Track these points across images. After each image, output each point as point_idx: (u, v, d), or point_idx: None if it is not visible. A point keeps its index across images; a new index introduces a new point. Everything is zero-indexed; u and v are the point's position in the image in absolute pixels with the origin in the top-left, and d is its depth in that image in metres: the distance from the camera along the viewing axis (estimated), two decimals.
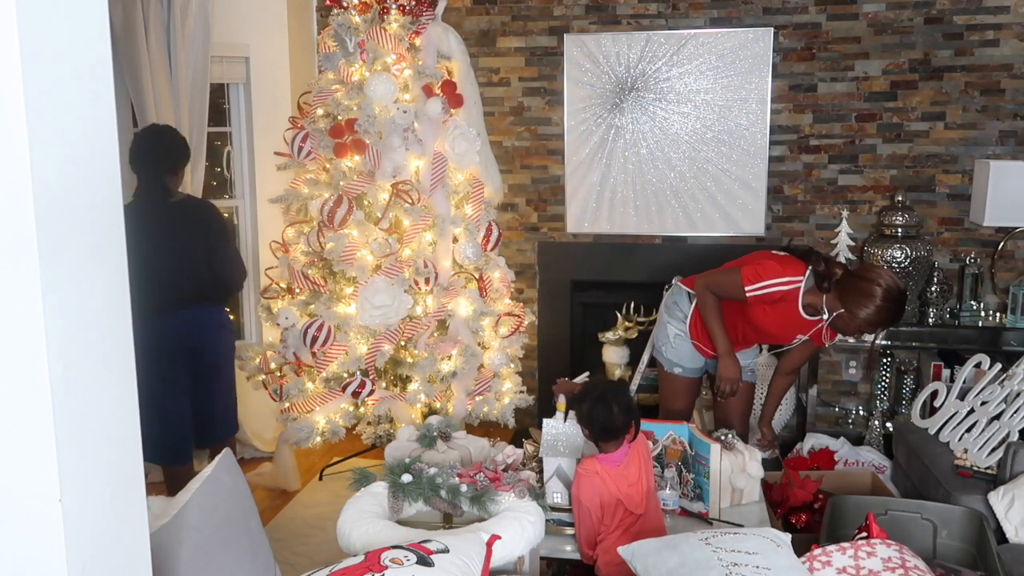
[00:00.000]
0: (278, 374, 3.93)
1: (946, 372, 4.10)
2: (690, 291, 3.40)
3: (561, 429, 2.88)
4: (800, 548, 2.22)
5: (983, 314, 4.17)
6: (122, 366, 1.34)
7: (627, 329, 4.40)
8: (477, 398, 3.95)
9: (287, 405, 3.81)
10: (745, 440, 3.31)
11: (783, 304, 3.11)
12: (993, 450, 3.15)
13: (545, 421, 2.91)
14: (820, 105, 4.42)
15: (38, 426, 1.18)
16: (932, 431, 3.47)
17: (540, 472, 2.93)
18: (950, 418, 3.42)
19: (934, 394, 3.57)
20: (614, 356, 4.44)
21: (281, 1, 4.60)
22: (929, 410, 3.59)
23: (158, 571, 1.63)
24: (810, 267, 3.08)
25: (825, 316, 3.06)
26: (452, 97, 3.85)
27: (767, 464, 3.19)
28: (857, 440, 4.24)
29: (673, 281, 3.81)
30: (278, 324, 3.87)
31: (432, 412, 3.79)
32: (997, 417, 3.24)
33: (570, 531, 2.76)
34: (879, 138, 4.39)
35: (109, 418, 1.31)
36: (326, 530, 3.51)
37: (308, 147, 3.82)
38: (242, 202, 4.64)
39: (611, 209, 4.65)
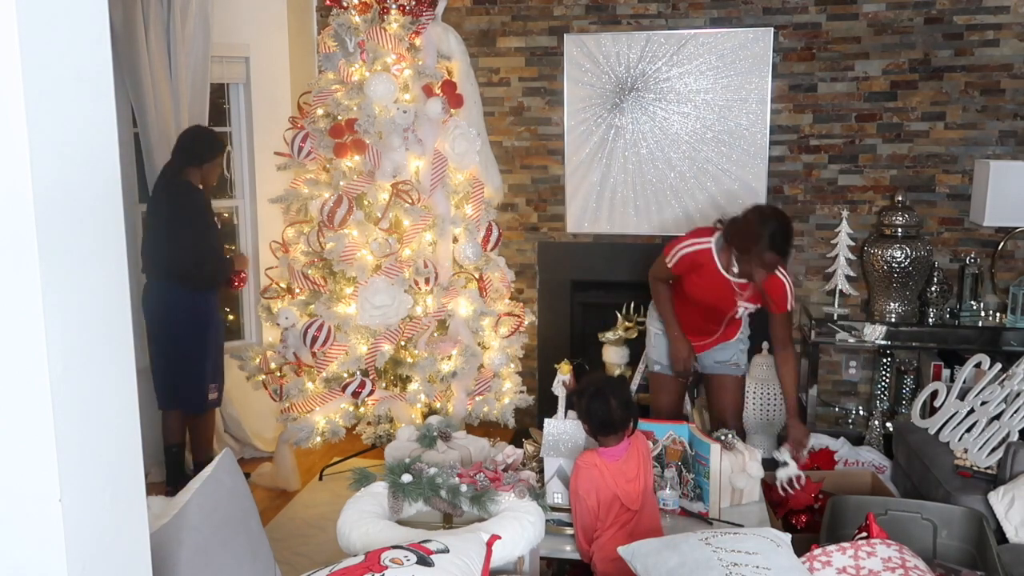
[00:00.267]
0: (278, 374, 3.93)
1: (946, 372, 4.09)
2: None
3: (562, 429, 2.88)
4: (800, 548, 2.22)
5: (983, 314, 4.17)
6: (122, 366, 1.34)
7: (627, 329, 4.40)
8: (477, 398, 3.95)
9: (287, 405, 3.81)
10: (743, 437, 3.32)
11: (705, 269, 3.27)
12: (993, 450, 3.15)
13: (546, 421, 2.91)
14: (820, 105, 4.42)
15: (38, 426, 1.18)
16: (932, 431, 3.47)
17: (540, 472, 2.93)
18: (950, 418, 3.42)
19: (934, 394, 3.57)
20: (614, 356, 4.45)
21: (281, 1, 4.61)
22: (929, 410, 3.59)
23: (158, 571, 1.63)
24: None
25: (736, 269, 3.24)
26: (452, 97, 3.85)
27: (766, 464, 3.19)
28: (857, 440, 4.24)
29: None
30: (278, 324, 3.87)
31: (432, 412, 3.79)
32: (997, 417, 3.24)
33: (570, 531, 2.76)
34: (879, 138, 4.39)
35: (109, 418, 1.31)
36: (326, 530, 3.51)
37: (308, 147, 3.82)
38: (242, 202, 4.64)
39: (611, 209, 4.65)
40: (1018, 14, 4.17)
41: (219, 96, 4.52)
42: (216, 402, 4.06)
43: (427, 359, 3.74)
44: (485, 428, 4.18)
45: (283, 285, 3.99)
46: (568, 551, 2.74)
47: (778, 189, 4.51)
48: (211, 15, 4.13)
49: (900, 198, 4.22)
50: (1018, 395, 3.24)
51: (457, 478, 2.64)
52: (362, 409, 3.87)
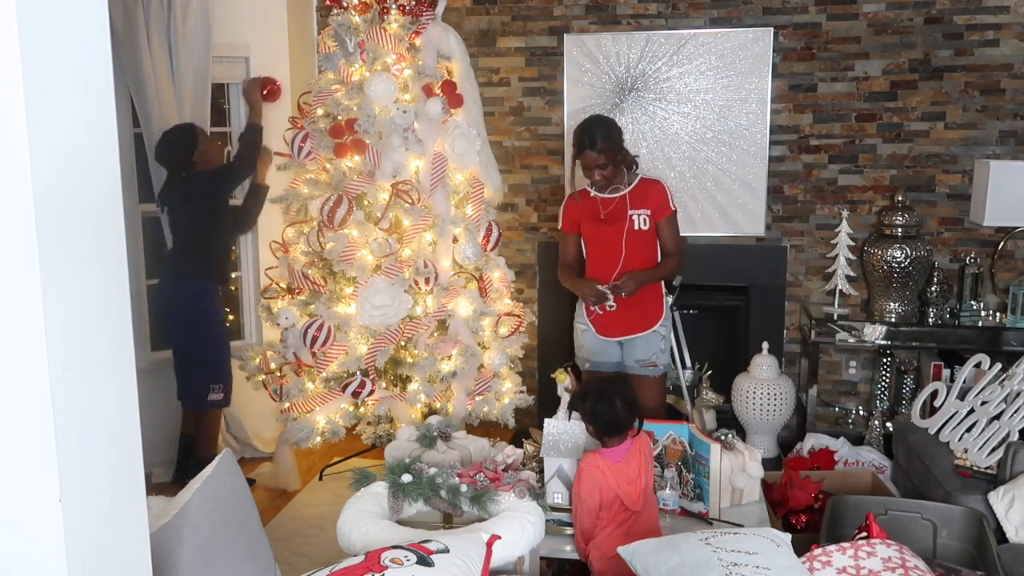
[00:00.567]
0: (278, 374, 3.93)
1: (946, 372, 4.09)
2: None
3: (562, 429, 2.88)
4: (800, 548, 2.22)
5: (983, 314, 4.17)
6: (122, 366, 1.34)
7: None
8: (477, 398, 3.95)
9: (287, 405, 3.81)
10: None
11: (583, 208, 3.58)
12: (993, 450, 3.15)
13: (546, 421, 2.91)
14: (820, 105, 4.42)
15: (38, 426, 1.18)
16: (932, 431, 3.47)
17: (540, 472, 2.93)
18: (950, 418, 3.42)
19: (934, 394, 3.57)
20: None
21: (281, 1, 4.61)
22: (929, 410, 3.59)
23: (158, 571, 1.63)
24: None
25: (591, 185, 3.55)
26: (452, 97, 3.85)
27: (766, 464, 3.19)
28: (857, 440, 4.24)
29: (674, 282, 3.82)
30: (278, 324, 3.87)
31: (432, 412, 3.79)
32: (997, 417, 3.24)
33: (570, 531, 2.76)
34: (879, 138, 4.39)
35: (109, 418, 1.31)
36: (326, 530, 3.50)
37: (308, 147, 3.82)
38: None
39: None
40: (1018, 14, 4.17)
41: (219, 96, 4.52)
42: (220, 402, 4.09)
43: (427, 359, 3.74)
44: (485, 428, 4.18)
45: (283, 285, 3.99)
46: (568, 551, 2.74)
47: (778, 189, 4.51)
48: (211, 15, 4.13)
49: (900, 198, 4.22)
50: (1018, 395, 3.24)
51: (457, 478, 2.64)
52: (362, 409, 3.87)
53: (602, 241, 3.55)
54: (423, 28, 3.87)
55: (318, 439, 3.78)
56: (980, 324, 4.11)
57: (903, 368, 4.40)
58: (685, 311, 4.31)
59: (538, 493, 2.67)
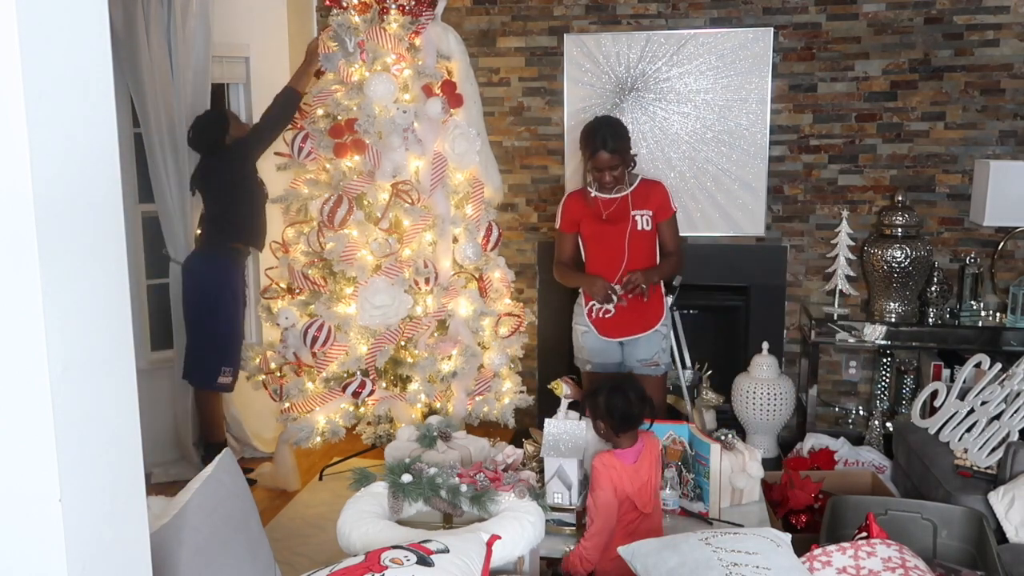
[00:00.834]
0: (278, 374, 3.93)
1: (946, 372, 4.09)
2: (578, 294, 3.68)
3: (562, 429, 2.88)
4: (800, 548, 2.22)
5: (983, 314, 4.17)
6: (122, 366, 1.34)
7: None
8: (477, 398, 3.95)
9: (287, 405, 3.81)
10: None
11: (584, 208, 3.56)
12: (993, 450, 3.15)
13: (546, 421, 2.91)
14: (820, 105, 4.42)
15: (38, 426, 1.18)
16: (932, 431, 3.47)
17: (540, 472, 2.93)
18: (950, 418, 3.42)
19: (934, 394, 3.56)
20: None
21: (281, 1, 4.61)
22: (929, 410, 3.59)
23: (158, 571, 1.63)
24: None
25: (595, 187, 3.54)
26: (452, 97, 3.85)
27: (766, 464, 3.19)
28: (857, 440, 4.24)
29: (674, 282, 3.82)
30: (278, 324, 3.87)
31: (432, 412, 3.79)
32: (997, 417, 3.24)
33: (569, 531, 2.76)
34: (879, 138, 4.39)
35: (109, 418, 1.31)
36: (326, 530, 3.50)
37: (308, 147, 3.82)
38: None
39: None
40: (1018, 14, 4.17)
41: (219, 96, 4.52)
42: (227, 387, 4.12)
43: (427, 359, 3.74)
44: (485, 428, 4.17)
45: (283, 285, 3.99)
46: (568, 551, 2.74)
47: (778, 189, 4.51)
48: (211, 15, 4.13)
49: (900, 198, 4.22)
50: (1018, 395, 3.24)
51: (457, 478, 2.64)
52: (362, 409, 3.87)
53: (604, 242, 3.55)
54: (423, 28, 3.87)
55: (318, 439, 3.78)
56: (980, 324, 4.11)
57: (903, 368, 4.40)
58: (685, 311, 4.31)
59: (538, 493, 2.67)
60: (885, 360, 4.44)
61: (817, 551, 2.19)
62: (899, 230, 4.16)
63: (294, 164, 3.94)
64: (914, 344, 4.19)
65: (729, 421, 4.23)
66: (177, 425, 4.30)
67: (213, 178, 4.03)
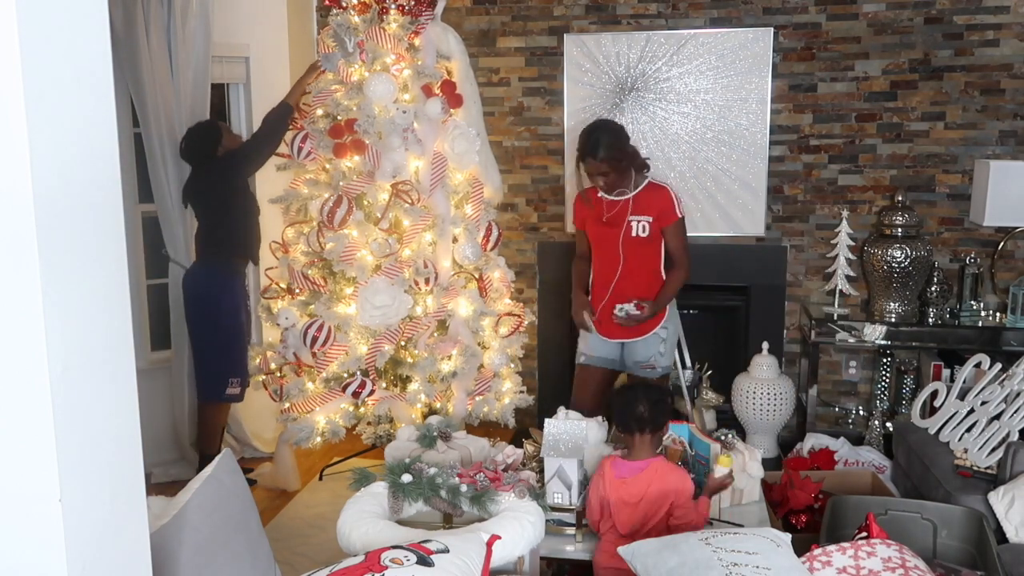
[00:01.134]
0: (278, 374, 3.93)
1: (946, 372, 4.09)
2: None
3: (562, 429, 2.87)
4: (800, 548, 2.22)
5: (983, 314, 4.17)
6: (122, 366, 1.34)
7: None
8: (477, 398, 3.95)
9: (287, 405, 3.81)
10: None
11: (590, 205, 3.58)
12: (993, 450, 3.15)
13: (546, 421, 2.91)
14: (820, 105, 4.42)
15: (38, 426, 1.18)
16: (932, 431, 3.47)
17: (540, 472, 2.93)
18: (950, 418, 3.42)
19: (934, 394, 3.56)
20: None
21: (281, 1, 4.60)
22: (929, 410, 3.59)
23: (158, 571, 1.63)
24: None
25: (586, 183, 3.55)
26: (452, 97, 3.85)
27: (766, 464, 3.19)
28: (857, 440, 4.23)
29: None
30: (278, 324, 3.87)
31: (432, 412, 3.79)
32: (997, 417, 3.24)
33: (570, 531, 2.76)
34: (879, 138, 4.39)
35: (109, 418, 1.31)
36: (326, 530, 3.50)
37: (308, 147, 3.82)
38: None
39: None
40: (1018, 14, 4.17)
41: (219, 96, 4.52)
42: (236, 398, 4.10)
43: (427, 359, 3.74)
44: (485, 428, 4.17)
45: (283, 285, 3.99)
46: (568, 551, 2.74)
47: (778, 189, 4.51)
48: (211, 15, 4.13)
49: (900, 198, 4.22)
50: (1018, 395, 3.24)
51: (457, 478, 2.64)
52: (362, 409, 3.87)
53: (603, 244, 3.57)
54: (422, 28, 3.87)
55: (318, 439, 3.78)
56: (980, 324, 4.11)
57: (903, 368, 4.40)
58: (685, 311, 4.30)
59: (538, 493, 2.67)
60: (885, 360, 4.44)
61: (817, 551, 2.19)
62: (899, 230, 4.16)
63: (294, 164, 3.94)
64: (914, 344, 4.19)
65: (729, 421, 4.23)
66: (176, 425, 4.30)
67: (205, 190, 3.99)
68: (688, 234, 4.58)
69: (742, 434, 4.02)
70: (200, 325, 4.00)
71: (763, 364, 4.18)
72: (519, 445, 3.21)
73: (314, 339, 3.64)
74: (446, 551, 2.00)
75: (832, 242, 4.35)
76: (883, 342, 4.15)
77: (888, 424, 4.30)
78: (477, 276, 3.98)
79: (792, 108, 4.44)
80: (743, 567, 2.02)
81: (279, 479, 4.09)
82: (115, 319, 1.32)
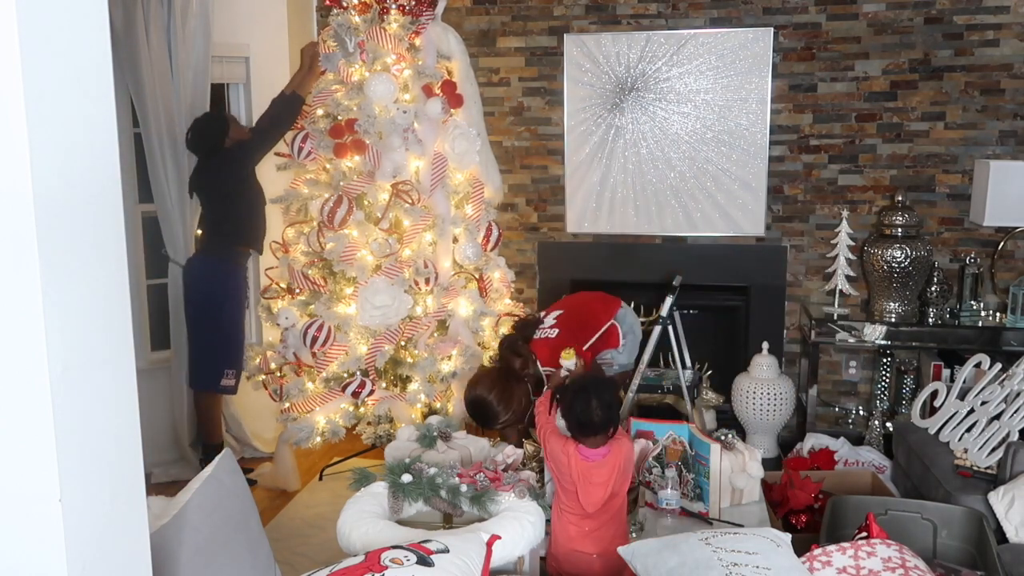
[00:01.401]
0: (278, 374, 3.93)
1: (946, 372, 4.09)
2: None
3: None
4: (800, 548, 2.22)
5: (983, 314, 4.17)
6: (122, 366, 1.34)
7: None
8: None
9: (287, 405, 3.81)
10: None
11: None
12: (993, 450, 3.15)
13: None
14: (820, 105, 4.42)
15: (38, 426, 1.18)
16: (932, 431, 3.47)
17: (540, 472, 2.93)
18: (950, 418, 3.42)
19: (934, 394, 3.56)
20: None
21: (281, 1, 4.61)
22: (929, 410, 3.59)
23: (158, 571, 1.63)
24: None
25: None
26: (452, 97, 3.85)
27: (766, 464, 3.19)
28: (857, 440, 4.23)
29: (674, 282, 3.82)
30: (278, 324, 3.87)
31: (432, 412, 3.79)
32: (997, 417, 3.24)
33: None
34: (879, 138, 4.39)
35: (109, 418, 1.31)
36: (326, 530, 3.50)
37: (308, 147, 3.82)
38: None
39: (611, 209, 4.65)
40: (1018, 14, 4.17)
41: (219, 96, 4.52)
42: (231, 389, 4.11)
43: (427, 359, 3.74)
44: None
45: (283, 285, 3.99)
46: None
47: (778, 189, 4.51)
48: (211, 15, 4.13)
49: (900, 198, 4.22)
50: (1018, 395, 3.24)
51: (457, 478, 2.64)
52: (362, 409, 3.86)
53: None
54: (423, 28, 3.87)
55: (318, 439, 3.78)
56: (980, 324, 4.11)
57: (903, 368, 4.40)
58: (685, 311, 4.31)
59: (538, 493, 2.67)
60: (885, 360, 4.44)
61: (817, 551, 2.19)
62: (899, 230, 4.16)
63: (294, 164, 3.94)
64: (914, 344, 4.19)
65: (729, 421, 4.22)
66: (176, 425, 4.30)
67: (212, 181, 4.00)
68: (688, 234, 4.61)
69: (742, 434, 4.01)
70: (198, 313, 4.01)
71: (763, 364, 4.17)
72: (519, 445, 3.21)
73: (314, 339, 3.64)
74: (446, 551, 2.00)
75: (832, 242, 4.34)
76: (883, 342, 4.15)
77: (888, 424, 4.30)
78: (477, 276, 3.98)
79: (792, 108, 4.44)
80: (743, 567, 2.02)
81: (279, 479, 4.09)
82: (115, 319, 1.32)
